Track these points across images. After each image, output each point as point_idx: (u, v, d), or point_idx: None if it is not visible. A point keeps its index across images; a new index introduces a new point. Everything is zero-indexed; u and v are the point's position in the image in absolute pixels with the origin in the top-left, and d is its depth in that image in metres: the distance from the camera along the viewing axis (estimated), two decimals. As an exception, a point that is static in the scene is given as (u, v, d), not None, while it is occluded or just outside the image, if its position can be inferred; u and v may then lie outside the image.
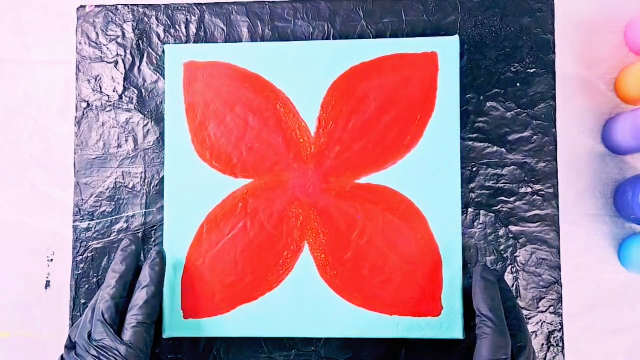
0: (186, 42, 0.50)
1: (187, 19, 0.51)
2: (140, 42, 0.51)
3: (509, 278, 0.47)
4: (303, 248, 0.47)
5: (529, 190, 0.48)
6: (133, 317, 0.42)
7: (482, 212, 0.48)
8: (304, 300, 0.46)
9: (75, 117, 0.51)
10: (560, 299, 0.47)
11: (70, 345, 0.42)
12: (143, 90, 0.50)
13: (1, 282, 0.52)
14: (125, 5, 0.51)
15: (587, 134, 0.50)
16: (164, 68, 0.50)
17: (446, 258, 0.46)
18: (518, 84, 0.48)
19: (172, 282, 0.47)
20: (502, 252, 0.47)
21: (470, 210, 0.48)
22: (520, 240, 0.47)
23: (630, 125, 0.47)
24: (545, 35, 0.48)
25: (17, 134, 0.53)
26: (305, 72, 0.48)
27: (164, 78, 0.50)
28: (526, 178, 0.48)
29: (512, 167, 0.48)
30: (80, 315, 0.49)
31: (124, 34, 0.51)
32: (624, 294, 0.49)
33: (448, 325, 0.46)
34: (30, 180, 0.53)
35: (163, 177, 0.49)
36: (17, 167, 0.53)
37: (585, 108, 0.50)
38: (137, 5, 0.51)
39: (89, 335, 0.41)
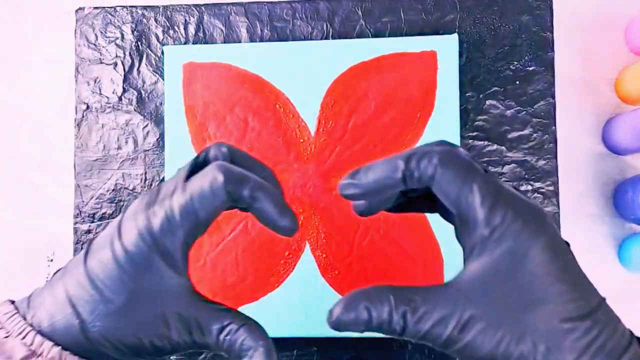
0: (185, 43, 0.50)
1: (185, 20, 0.51)
2: (139, 43, 0.51)
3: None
4: (304, 248, 0.47)
5: (530, 188, 0.48)
6: None
7: (482, 210, 0.48)
8: (305, 300, 0.46)
9: (75, 119, 0.51)
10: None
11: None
12: (142, 92, 0.50)
13: (1, 282, 0.52)
14: (124, 6, 0.51)
15: (587, 134, 0.50)
16: (163, 69, 0.50)
17: (447, 257, 0.46)
18: (517, 82, 0.48)
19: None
20: (503, 250, 0.47)
21: (470, 208, 0.48)
22: (521, 238, 0.47)
23: (631, 125, 0.47)
24: (543, 33, 0.48)
25: (16, 133, 0.53)
26: (305, 72, 0.48)
27: (163, 79, 0.50)
28: (526, 176, 0.48)
29: (512, 165, 0.48)
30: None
31: (122, 35, 0.51)
32: (624, 294, 0.49)
33: (450, 323, 0.45)
34: (30, 180, 0.53)
35: (163, 178, 0.49)
36: (16, 166, 0.53)
37: (585, 108, 0.50)
38: (136, 7, 0.51)
39: None
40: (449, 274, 0.46)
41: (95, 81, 0.51)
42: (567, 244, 0.28)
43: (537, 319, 0.26)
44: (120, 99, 0.50)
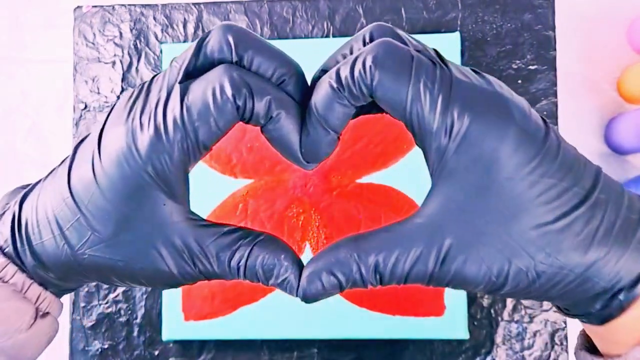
0: (184, 42, 0.50)
1: (184, 18, 0.50)
2: (138, 42, 0.50)
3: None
4: (304, 249, 0.47)
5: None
6: None
7: (484, 210, 0.47)
8: (305, 301, 0.46)
9: (73, 119, 0.50)
10: (564, 298, 0.46)
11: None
12: (141, 91, 0.50)
13: None
14: (122, 5, 0.51)
15: (590, 134, 0.50)
16: (161, 68, 0.49)
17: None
18: (519, 81, 0.48)
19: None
20: (505, 251, 0.47)
21: (472, 208, 0.47)
22: (523, 239, 0.47)
23: (633, 124, 0.47)
24: (546, 31, 0.48)
25: (14, 133, 0.53)
26: (305, 70, 0.47)
27: (162, 78, 0.49)
28: (529, 176, 0.47)
29: (515, 164, 0.47)
30: (79, 319, 0.48)
31: (121, 34, 0.51)
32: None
33: (451, 325, 0.45)
34: (27, 180, 0.52)
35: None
36: (13, 166, 0.53)
37: (587, 107, 0.50)
38: (134, 5, 0.51)
39: None
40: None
41: (93, 80, 0.50)
42: (545, 121, 0.24)
43: (526, 228, 0.22)
44: (118, 98, 0.50)
